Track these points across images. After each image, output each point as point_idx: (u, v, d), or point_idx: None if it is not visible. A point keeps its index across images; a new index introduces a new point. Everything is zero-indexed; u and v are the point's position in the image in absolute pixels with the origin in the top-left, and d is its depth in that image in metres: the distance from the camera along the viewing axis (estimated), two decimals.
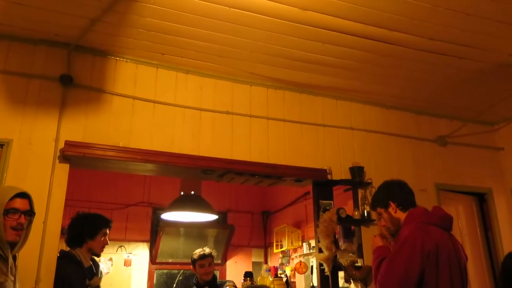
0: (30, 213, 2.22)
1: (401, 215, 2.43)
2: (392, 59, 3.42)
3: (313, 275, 4.66)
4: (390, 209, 2.46)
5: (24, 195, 2.22)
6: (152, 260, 5.37)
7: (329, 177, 3.72)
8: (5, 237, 2.09)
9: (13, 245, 2.17)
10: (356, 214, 3.67)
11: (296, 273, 5.03)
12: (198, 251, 3.93)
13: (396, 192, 2.49)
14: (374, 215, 2.94)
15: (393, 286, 2.16)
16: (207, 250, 3.95)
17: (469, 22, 2.95)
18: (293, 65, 3.53)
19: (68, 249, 2.94)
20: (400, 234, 2.29)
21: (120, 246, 5.29)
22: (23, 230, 2.17)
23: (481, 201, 4.55)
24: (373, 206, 2.62)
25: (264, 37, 3.13)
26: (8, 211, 2.12)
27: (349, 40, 3.15)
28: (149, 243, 5.44)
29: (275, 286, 3.13)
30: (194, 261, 3.91)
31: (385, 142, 4.13)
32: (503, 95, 4.00)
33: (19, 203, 2.17)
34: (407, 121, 4.33)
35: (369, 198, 3.56)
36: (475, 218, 4.49)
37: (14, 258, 2.24)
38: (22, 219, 2.16)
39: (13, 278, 2.15)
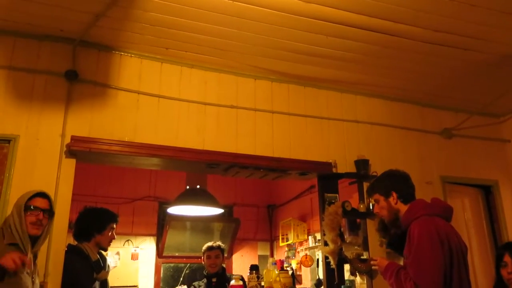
0: (49, 212, 2.38)
1: (401, 207, 2.43)
2: (396, 51, 3.40)
3: (319, 268, 4.68)
4: (391, 199, 2.46)
5: (44, 195, 2.40)
6: (159, 253, 5.40)
7: (334, 170, 3.72)
8: (28, 231, 2.27)
9: (34, 240, 2.32)
10: (362, 207, 3.67)
11: (302, 266, 5.05)
12: (208, 243, 4.02)
13: (400, 184, 2.49)
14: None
15: (428, 280, 2.12)
16: (216, 243, 4.03)
17: (474, 13, 2.93)
18: (297, 58, 3.52)
19: (75, 243, 2.97)
20: (411, 232, 2.27)
21: (127, 240, 5.32)
22: (42, 226, 2.34)
23: (487, 193, 4.52)
24: (372, 192, 2.60)
25: (268, 30, 3.13)
26: (28, 208, 2.30)
27: (354, 33, 3.14)
28: (155, 237, 5.47)
29: (281, 279, 3.15)
30: (203, 253, 4.03)
31: (390, 135, 4.12)
32: (509, 87, 3.97)
33: (39, 202, 2.36)
34: (412, 114, 4.31)
35: None
36: (481, 210, 4.48)
37: (35, 256, 2.37)
38: (41, 216, 2.33)
39: (28, 271, 2.23)
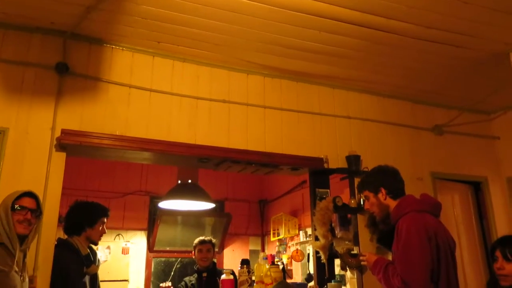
0: (36, 212, 2.38)
1: (390, 203, 2.44)
2: (389, 47, 3.41)
3: (310, 263, 4.70)
4: (380, 195, 2.47)
5: (31, 195, 2.40)
6: (150, 248, 5.40)
7: (325, 165, 3.74)
8: (16, 230, 2.27)
9: (22, 239, 2.31)
10: (353, 203, 3.69)
11: (293, 261, 5.08)
12: (199, 237, 4.05)
13: (389, 179, 2.49)
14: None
15: (415, 276, 2.12)
16: (208, 237, 4.09)
17: (466, 11, 2.94)
18: (289, 54, 3.52)
19: (65, 237, 2.96)
20: (399, 228, 2.28)
21: (118, 235, 5.31)
22: (30, 226, 2.35)
23: (477, 189, 4.57)
24: (362, 188, 2.61)
25: (260, 25, 3.12)
26: (15, 208, 2.30)
27: (346, 29, 3.14)
28: (146, 232, 5.47)
29: (272, 273, 3.15)
30: (194, 247, 4.06)
31: (382, 131, 4.14)
32: (500, 84, 4.00)
33: (27, 202, 2.36)
34: (404, 110, 4.34)
35: None
36: (470, 206, 4.53)
37: (24, 254, 2.36)
38: (29, 216, 2.33)
39: (17, 269, 2.23)
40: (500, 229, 4.32)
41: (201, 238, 4.06)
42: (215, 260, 4.30)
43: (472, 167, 4.48)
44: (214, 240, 4.13)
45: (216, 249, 4.73)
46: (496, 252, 2.45)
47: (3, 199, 2.37)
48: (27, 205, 2.34)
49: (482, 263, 4.32)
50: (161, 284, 4.08)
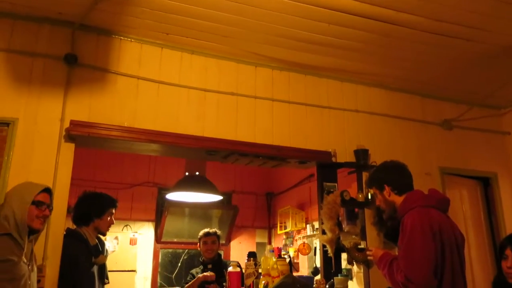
0: (49, 206, 2.44)
1: (396, 199, 2.42)
2: (398, 40, 3.37)
3: (316, 257, 4.71)
4: (385, 192, 2.46)
5: (48, 191, 2.45)
6: (158, 239, 5.43)
7: (333, 159, 3.72)
8: (32, 225, 2.32)
9: (33, 233, 2.36)
10: (360, 197, 3.68)
11: (300, 254, 5.08)
12: (204, 229, 4.07)
13: (392, 176, 2.47)
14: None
15: (418, 272, 2.11)
16: (213, 229, 4.12)
17: (476, 4, 2.90)
18: (298, 46, 3.50)
19: (74, 227, 2.98)
20: (404, 224, 2.27)
21: (126, 225, 5.35)
22: (45, 221, 2.42)
23: (486, 185, 4.53)
24: (369, 186, 2.62)
25: (269, 17, 3.10)
26: (37, 203, 2.35)
27: (355, 21, 3.11)
28: (154, 223, 5.51)
29: (278, 266, 3.16)
30: (199, 239, 4.09)
31: (390, 125, 4.11)
32: (510, 79, 3.95)
33: (44, 197, 2.41)
34: (413, 104, 4.30)
35: None
36: (479, 202, 4.49)
37: (32, 246, 2.39)
38: (47, 212, 2.40)
39: (25, 261, 2.25)
40: (509, 225, 4.28)
41: (206, 230, 4.08)
42: (220, 252, 4.33)
43: (481, 162, 4.43)
44: (219, 232, 4.15)
45: (222, 241, 4.75)
46: (506, 251, 2.40)
47: (19, 191, 2.40)
48: (46, 201, 2.39)
49: (490, 260, 4.29)
50: (205, 273, 3.96)
